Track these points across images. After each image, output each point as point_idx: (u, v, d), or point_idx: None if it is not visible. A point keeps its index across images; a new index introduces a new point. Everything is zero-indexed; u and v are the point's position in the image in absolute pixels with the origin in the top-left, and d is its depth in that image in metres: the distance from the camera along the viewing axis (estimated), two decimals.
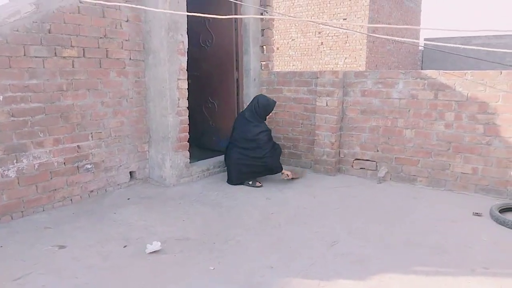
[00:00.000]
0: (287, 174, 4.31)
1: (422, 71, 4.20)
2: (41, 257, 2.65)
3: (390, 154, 4.43)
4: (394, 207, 3.68)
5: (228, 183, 4.30)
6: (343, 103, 4.62)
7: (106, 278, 2.41)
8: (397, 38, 8.73)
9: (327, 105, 4.57)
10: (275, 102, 4.42)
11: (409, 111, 4.26)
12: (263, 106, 4.30)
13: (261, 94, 4.49)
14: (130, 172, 4.14)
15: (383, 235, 3.07)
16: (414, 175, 4.33)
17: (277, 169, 4.28)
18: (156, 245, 2.76)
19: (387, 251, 2.80)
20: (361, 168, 4.64)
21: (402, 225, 3.27)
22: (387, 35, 12.99)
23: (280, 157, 4.43)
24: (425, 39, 15.04)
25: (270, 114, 4.42)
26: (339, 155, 4.75)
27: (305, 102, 4.87)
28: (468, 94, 3.92)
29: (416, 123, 4.24)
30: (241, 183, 4.25)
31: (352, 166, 4.69)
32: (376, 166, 4.53)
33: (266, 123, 4.42)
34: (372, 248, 2.84)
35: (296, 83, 4.91)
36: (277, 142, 4.57)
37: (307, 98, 4.83)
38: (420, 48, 17.48)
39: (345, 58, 13.65)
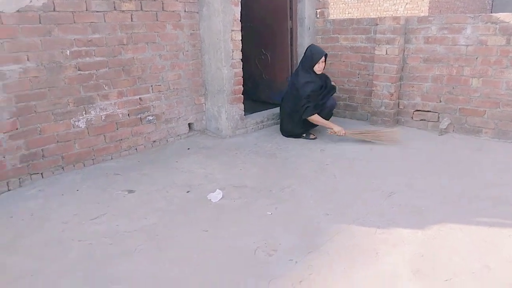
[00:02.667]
0: (338, 131, 4.00)
1: (493, 14, 3.83)
2: (112, 200, 2.89)
3: (454, 104, 4.19)
4: (456, 159, 3.54)
5: (283, 135, 4.32)
6: (404, 51, 4.37)
7: (171, 220, 2.59)
8: None
9: (386, 53, 4.35)
10: (323, 52, 4.05)
11: (477, 58, 3.96)
12: (309, 56, 4.06)
13: (312, 44, 4.30)
14: (188, 123, 4.29)
15: (444, 187, 2.98)
16: (479, 127, 4.09)
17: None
18: (218, 194, 2.89)
19: (447, 203, 2.73)
20: (421, 120, 4.45)
21: (464, 177, 3.14)
22: None
23: (327, 112, 4.18)
24: None
25: (320, 64, 4.02)
26: (398, 106, 4.57)
27: (362, 51, 4.67)
28: None
29: (484, 71, 3.94)
30: (294, 135, 4.24)
31: (412, 117, 4.51)
32: (438, 117, 4.32)
33: (320, 74, 4.11)
34: (431, 200, 2.78)
35: (353, 31, 4.70)
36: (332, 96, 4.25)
37: (365, 46, 4.63)
38: None
39: (406, 4, 12.72)
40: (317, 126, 4.27)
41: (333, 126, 4.05)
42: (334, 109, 4.34)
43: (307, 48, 4.15)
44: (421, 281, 1.95)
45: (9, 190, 3.03)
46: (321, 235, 2.37)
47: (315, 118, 4.04)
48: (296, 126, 4.18)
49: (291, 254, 2.19)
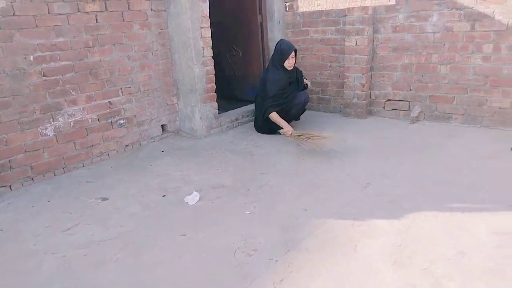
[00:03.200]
0: (287, 132, 3.90)
1: (457, 0, 3.91)
2: (86, 209, 2.81)
3: (424, 92, 4.27)
4: (428, 146, 3.61)
5: (257, 131, 4.31)
6: (373, 41, 4.42)
7: (148, 225, 2.54)
8: None
9: (356, 44, 4.39)
10: (293, 47, 3.98)
11: (444, 45, 4.03)
12: (278, 52, 4.02)
13: (282, 39, 4.26)
14: (161, 125, 4.22)
15: (417, 175, 3.04)
16: (449, 113, 4.18)
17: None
18: (195, 196, 2.86)
19: (421, 191, 2.79)
20: (393, 109, 4.52)
21: (436, 164, 3.21)
22: None
23: (300, 107, 4.21)
24: None
25: (290, 60, 3.97)
26: (370, 97, 4.63)
27: (333, 43, 4.69)
28: (509, 23, 3.64)
29: (452, 57, 4.02)
30: (269, 131, 4.20)
31: (384, 107, 4.57)
32: (409, 106, 4.40)
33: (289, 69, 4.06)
34: (406, 188, 2.83)
35: (323, 23, 4.71)
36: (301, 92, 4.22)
37: (335, 38, 4.65)
38: None
39: None
40: (293, 121, 4.28)
41: (284, 125, 3.96)
42: (308, 103, 4.35)
43: (276, 44, 4.12)
44: (400, 271, 1.97)
45: None
46: (300, 231, 2.37)
47: (273, 116, 4.02)
48: (269, 122, 4.14)
49: (271, 253, 2.18)
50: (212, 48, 4.14)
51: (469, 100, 4.03)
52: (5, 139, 3.05)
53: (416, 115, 4.28)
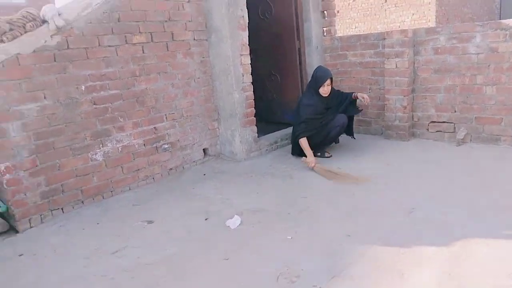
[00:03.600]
0: (309, 162, 3.85)
1: (502, 21, 3.81)
2: (133, 232, 2.90)
3: (469, 114, 4.14)
4: (476, 169, 3.47)
5: (293, 154, 4.29)
6: (414, 63, 4.36)
7: (192, 249, 2.59)
8: None
9: (396, 67, 4.35)
10: (328, 75, 3.94)
11: (489, 66, 3.92)
12: (314, 79, 4.04)
13: (320, 66, 4.25)
14: (203, 149, 4.32)
15: (466, 199, 2.92)
16: (497, 135, 4.02)
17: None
18: (237, 220, 2.89)
19: (471, 216, 2.67)
20: (437, 131, 4.40)
21: (487, 188, 3.07)
22: None
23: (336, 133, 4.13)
24: None
25: (325, 87, 3.93)
26: (413, 118, 4.53)
27: (372, 66, 4.67)
28: None
29: (498, 78, 3.89)
30: (302, 154, 4.11)
31: (428, 129, 4.46)
32: (454, 128, 4.26)
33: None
34: (454, 213, 2.72)
35: (361, 47, 4.71)
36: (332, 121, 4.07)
37: (374, 61, 4.63)
38: None
39: (412, 15, 12.71)
40: (332, 144, 4.27)
41: (309, 155, 3.89)
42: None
43: (314, 70, 4.14)
44: None
45: (31, 227, 3.08)
46: (343, 258, 2.33)
47: (302, 142, 3.97)
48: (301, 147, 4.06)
49: (314, 279, 2.15)
50: (251, 73, 4.24)
51: None
52: (58, 164, 3.23)
53: (462, 137, 4.14)
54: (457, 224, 2.58)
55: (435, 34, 4.18)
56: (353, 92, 4.18)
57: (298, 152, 4.19)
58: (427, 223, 2.64)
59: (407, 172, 3.56)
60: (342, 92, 4.26)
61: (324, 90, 3.97)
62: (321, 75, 3.98)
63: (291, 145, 4.57)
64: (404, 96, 4.37)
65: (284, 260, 2.36)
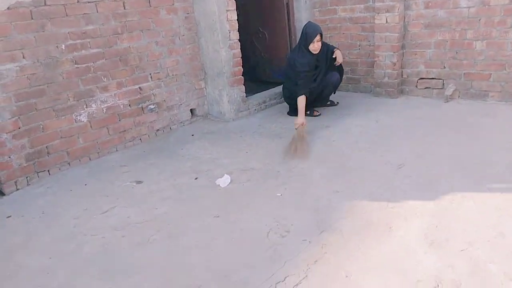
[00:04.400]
0: (296, 124, 3.62)
1: None
2: (121, 192, 2.88)
3: (459, 69, 4.10)
4: (463, 125, 3.49)
5: (289, 114, 4.25)
6: (404, 18, 4.26)
7: (182, 208, 2.59)
8: None
9: (387, 22, 4.24)
10: (318, 31, 3.79)
11: (479, 20, 3.84)
12: (303, 35, 3.90)
13: (309, 22, 4.10)
14: (190, 109, 4.25)
15: (453, 155, 2.94)
16: (485, 91, 4.01)
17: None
18: (227, 179, 2.88)
19: (457, 171, 2.70)
20: (426, 88, 4.37)
21: (473, 143, 3.10)
22: None
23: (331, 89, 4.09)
24: None
25: (315, 44, 3.80)
26: (402, 75, 4.49)
27: (362, 21, 4.55)
28: None
29: (488, 33, 3.83)
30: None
31: (416, 86, 4.43)
32: (443, 84, 4.24)
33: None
34: (441, 169, 2.75)
35: (351, 1, 4.56)
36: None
37: (364, 16, 4.51)
38: None
39: None
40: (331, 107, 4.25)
41: (300, 116, 3.68)
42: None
43: (304, 26, 3.99)
44: (437, 253, 1.94)
45: (17, 189, 3.04)
46: (332, 213, 2.36)
47: (300, 100, 3.76)
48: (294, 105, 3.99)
49: (304, 234, 2.19)
50: (238, 30, 4.11)
51: (507, 77, 3.85)
52: (41, 126, 3.15)
53: (450, 94, 4.13)
54: (444, 179, 2.61)
55: None
56: (335, 47, 4.11)
57: (295, 112, 4.11)
58: (415, 179, 2.67)
59: (395, 129, 3.57)
60: (328, 44, 4.13)
61: (314, 47, 3.86)
62: (310, 32, 3.85)
63: (280, 105, 4.53)
64: (394, 52, 4.30)
65: (274, 216, 2.39)
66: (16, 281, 2.03)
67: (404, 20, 4.27)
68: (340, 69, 4.18)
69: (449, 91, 4.14)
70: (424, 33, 4.20)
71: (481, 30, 3.86)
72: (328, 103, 4.35)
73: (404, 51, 4.38)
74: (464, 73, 4.09)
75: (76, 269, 2.09)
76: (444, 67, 4.18)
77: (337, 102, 4.42)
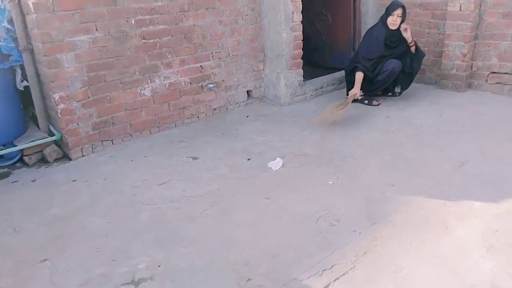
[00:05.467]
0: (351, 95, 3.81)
1: None
2: (178, 166, 3.00)
3: None
4: None
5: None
6: (480, 5, 3.97)
7: (234, 186, 2.66)
8: None
9: (460, 9, 3.97)
10: (399, 4, 3.71)
11: None
12: (386, 7, 3.81)
13: None
14: (247, 91, 4.29)
15: None
16: None
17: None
18: (279, 162, 2.90)
19: None
20: (497, 83, 4.08)
21: None
22: None
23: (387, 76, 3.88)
24: None
25: (394, 17, 3.70)
26: (471, 68, 4.21)
27: (433, 7, 4.30)
28: None
29: None
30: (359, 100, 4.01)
31: (487, 80, 4.14)
32: None
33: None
34: (507, 170, 2.59)
35: None
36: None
37: (436, 2, 4.25)
38: None
39: None
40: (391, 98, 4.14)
41: (356, 87, 3.82)
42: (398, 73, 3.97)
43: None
44: (495, 258, 1.84)
45: (83, 155, 3.25)
46: (386, 206, 2.31)
47: (357, 75, 3.84)
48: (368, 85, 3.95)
49: (354, 224, 2.16)
50: (301, 12, 4.04)
51: None
52: (109, 97, 3.33)
53: None
54: (509, 181, 2.46)
55: None
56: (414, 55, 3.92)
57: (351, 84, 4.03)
58: (477, 178, 2.53)
59: (460, 124, 3.38)
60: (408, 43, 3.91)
61: (393, 20, 3.72)
62: (393, 3, 3.75)
63: (337, 91, 4.45)
64: (465, 42, 4.03)
65: (325, 203, 2.38)
66: (77, 240, 2.21)
67: (480, 8, 3.98)
68: (416, 55, 3.94)
69: None
70: (501, 23, 3.89)
71: None
72: (390, 93, 4.19)
73: (477, 41, 4.10)
74: None
75: (132, 234, 2.22)
76: None
77: (399, 93, 4.20)
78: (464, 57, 4.08)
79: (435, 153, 2.90)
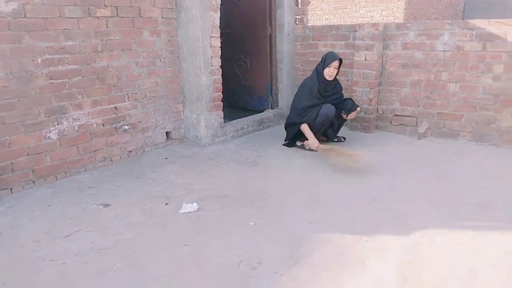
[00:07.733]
0: (311, 144, 3.86)
1: (470, 20, 3.90)
2: (87, 215, 2.74)
3: (432, 109, 4.23)
4: (435, 163, 3.55)
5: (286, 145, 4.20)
6: (382, 57, 4.40)
7: (150, 235, 2.48)
8: None
9: (365, 59, 4.37)
10: (338, 57, 3.81)
11: (454, 63, 4.01)
12: (322, 59, 3.87)
13: (331, 51, 4.12)
14: (166, 132, 4.18)
15: (425, 191, 2.98)
16: (457, 130, 4.14)
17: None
18: (193, 206, 2.79)
19: (429, 208, 2.72)
20: (400, 124, 4.48)
21: (444, 181, 3.15)
22: None
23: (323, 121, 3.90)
24: None
25: (331, 69, 3.78)
26: (377, 111, 4.59)
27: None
28: None
29: (462, 76, 4.00)
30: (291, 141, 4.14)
31: (391, 122, 4.53)
32: (417, 122, 4.36)
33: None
34: (413, 205, 2.77)
35: (332, 38, 4.70)
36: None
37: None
38: None
39: (382, 11, 12.91)
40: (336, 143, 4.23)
41: (311, 138, 3.86)
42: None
43: (324, 54, 3.94)
44: None
45: None
46: (305, 245, 2.31)
47: (304, 128, 3.87)
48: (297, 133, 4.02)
49: (276, 266, 2.12)
50: (220, 57, 4.12)
51: (477, 119, 3.99)
52: (8, 141, 3.01)
53: (423, 131, 4.24)
54: (416, 215, 2.63)
55: (405, 29, 4.22)
56: (348, 99, 4.04)
57: (292, 143, 4.14)
58: (387, 213, 2.67)
59: (369, 163, 3.58)
60: (342, 92, 4.12)
61: (330, 71, 3.78)
62: (331, 55, 3.81)
63: (257, 132, 4.53)
64: (371, 88, 4.41)
65: (246, 246, 2.31)
66: None
67: (382, 59, 4.40)
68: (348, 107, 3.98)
69: (422, 128, 4.25)
70: (400, 72, 4.33)
71: (455, 73, 4.03)
72: (335, 139, 4.24)
73: (381, 88, 4.50)
74: (437, 113, 4.21)
75: None
76: (419, 106, 4.30)
77: (344, 138, 4.25)
78: (370, 101, 4.44)
79: (348, 191, 3.02)
